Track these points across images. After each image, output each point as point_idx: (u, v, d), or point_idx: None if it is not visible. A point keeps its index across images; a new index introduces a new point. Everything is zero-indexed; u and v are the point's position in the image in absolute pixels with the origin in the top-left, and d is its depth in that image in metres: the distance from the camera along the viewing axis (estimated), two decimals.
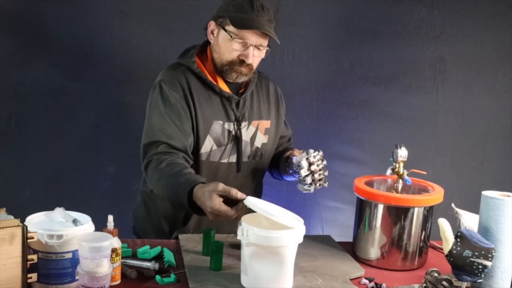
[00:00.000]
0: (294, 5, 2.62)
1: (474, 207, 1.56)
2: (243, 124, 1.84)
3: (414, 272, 1.59)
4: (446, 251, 1.35)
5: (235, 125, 1.82)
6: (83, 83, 2.52)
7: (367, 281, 1.48)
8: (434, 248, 1.78)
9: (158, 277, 1.40)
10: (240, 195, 1.45)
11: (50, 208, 1.40)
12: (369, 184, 1.69)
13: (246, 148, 1.85)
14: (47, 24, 2.44)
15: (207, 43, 1.84)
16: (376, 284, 1.46)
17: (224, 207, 1.45)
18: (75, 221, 1.34)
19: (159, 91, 1.76)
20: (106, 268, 1.24)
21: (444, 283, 1.38)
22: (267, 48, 1.77)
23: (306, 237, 1.35)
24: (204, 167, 1.80)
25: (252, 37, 1.71)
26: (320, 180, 1.67)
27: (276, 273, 1.33)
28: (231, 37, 1.71)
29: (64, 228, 1.30)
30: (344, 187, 2.62)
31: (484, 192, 1.43)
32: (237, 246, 1.57)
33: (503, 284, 1.39)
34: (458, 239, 1.34)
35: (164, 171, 1.64)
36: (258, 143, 1.88)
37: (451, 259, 1.34)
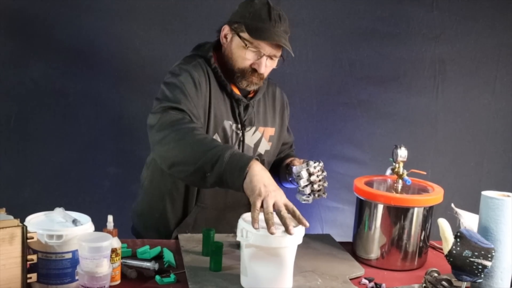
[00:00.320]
0: (294, 5, 2.62)
1: (474, 207, 1.56)
2: (248, 128, 1.81)
3: (414, 272, 1.59)
4: (446, 251, 1.35)
5: (241, 129, 1.79)
6: (83, 83, 2.52)
7: (367, 281, 1.48)
8: (434, 248, 1.78)
9: (157, 277, 1.40)
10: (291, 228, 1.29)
11: (50, 208, 1.40)
12: (369, 184, 1.69)
13: (249, 153, 1.82)
14: (47, 24, 2.44)
15: (219, 42, 1.78)
16: (376, 284, 1.46)
17: (272, 215, 1.31)
18: (74, 221, 1.34)
19: (180, 72, 1.67)
20: (106, 268, 1.24)
21: (444, 283, 1.38)
22: (280, 57, 1.73)
23: (306, 236, 1.35)
24: None
25: (267, 47, 1.67)
26: (319, 191, 1.64)
27: (275, 274, 1.33)
28: (245, 45, 1.67)
29: (64, 228, 1.30)
30: (344, 187, 2.62)
31: (484, 192, 1.42)
32: (237, 246, 1.57)
33: (503, 284, 1.39)
34: (458, 239, 1.34)
35: (195, 132, 1.52)
36: (261, 149, 1.85)
37: (451, 259, 1.34)
